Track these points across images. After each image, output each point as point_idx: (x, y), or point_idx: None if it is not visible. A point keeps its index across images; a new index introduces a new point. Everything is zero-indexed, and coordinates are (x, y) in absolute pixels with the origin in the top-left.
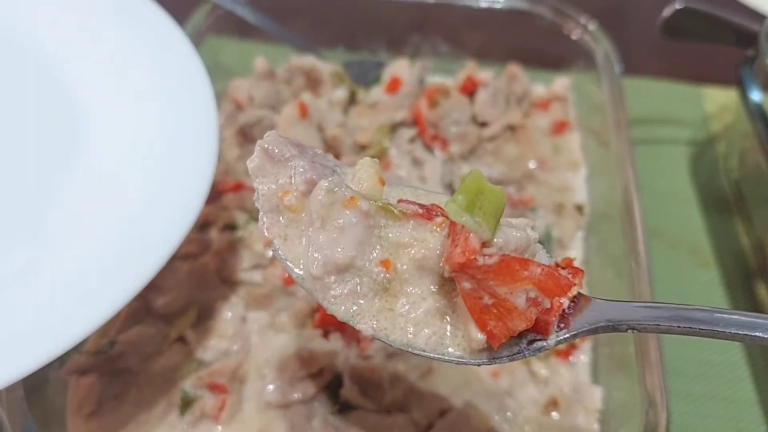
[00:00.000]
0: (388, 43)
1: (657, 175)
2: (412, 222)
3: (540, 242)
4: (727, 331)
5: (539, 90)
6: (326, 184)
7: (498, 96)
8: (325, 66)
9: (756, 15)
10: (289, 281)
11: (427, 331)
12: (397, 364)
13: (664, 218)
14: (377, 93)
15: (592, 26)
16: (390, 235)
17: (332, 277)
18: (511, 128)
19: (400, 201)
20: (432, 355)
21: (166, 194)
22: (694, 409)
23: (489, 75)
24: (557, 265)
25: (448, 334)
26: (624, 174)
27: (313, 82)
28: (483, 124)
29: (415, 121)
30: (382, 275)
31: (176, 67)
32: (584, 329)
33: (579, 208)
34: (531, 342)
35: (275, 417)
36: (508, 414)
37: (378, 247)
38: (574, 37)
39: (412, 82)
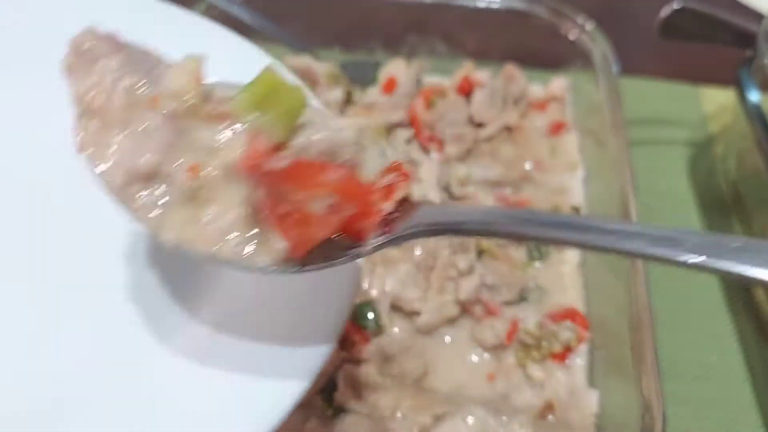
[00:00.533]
0: (385, 43)
1: (654, 176)
2: (224, 124)
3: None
4: (558, 236)
5: (536, 90)
6: (126, 82)
7: (495, 97)
8: (321, 66)
9: (755, 15)
10: None
11: (233, 240)
12: (392, 368)
13: (662, 219)
14: (373, 93)
15: (589, 26)
16: (200, 138)
17: (136, 185)
18: (508, 129)
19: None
20: (240, 264)
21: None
22: (692, 412)
23: (486, 75)
24: (388, 169)
25: (256, 242)
26: (621, 175)
27: (308, 83)
28: (479, 125)
29: (412, 122)
30: (189, 182)
31: None
32: (403, 233)
33: (576, 210)
34: (350, 248)
35: None
36: (504, 418)
37: (188, 152)
38: (571, 37)
39: (408, 82)
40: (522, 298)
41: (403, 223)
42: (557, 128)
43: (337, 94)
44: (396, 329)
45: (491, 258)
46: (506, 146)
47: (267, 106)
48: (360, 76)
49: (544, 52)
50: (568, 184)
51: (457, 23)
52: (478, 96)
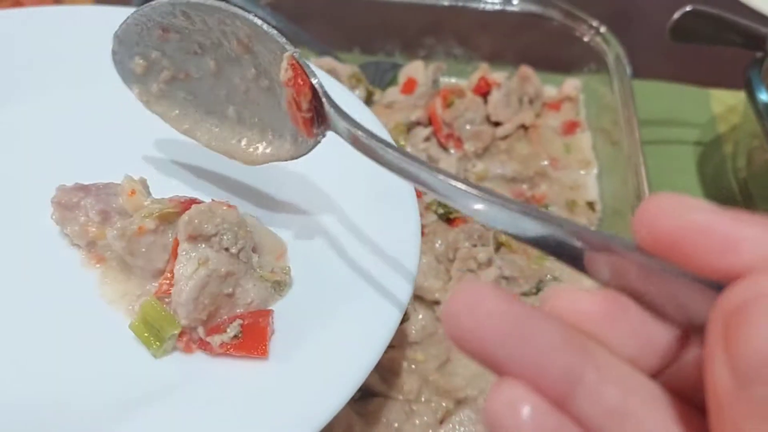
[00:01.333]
0: (403, 45)
1: (665, 174)
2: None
3: None
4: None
5: (551, 91)
6: (113, 233)
7: (511, 96)
8: (343, 67)
9: (765, 18)
10: None
11: None
12: (416, 354)
13: None
14: (393, 93)
15: (603, 29)
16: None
17: None
18: (524, 128)
19: (170, 200)
20: None
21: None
22: None
23: (502, 76)
24: None
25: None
26: (636, 171)
27: None
28: (496, 124)
29: (430, 121)
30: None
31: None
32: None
33: (591, 205)
34: None
35: None
36: None
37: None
38: (585, 39)
39: (427, 83)
40: (539, 289)
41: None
42: (571, 127)
43: (358, 94)
44: (420, 316)
45: (509, 251)
46: (522, 144)
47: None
48: (380, 77)
49: (557, 55)
50: (583, 180)
51: (472, 26)
52: (495, 96)
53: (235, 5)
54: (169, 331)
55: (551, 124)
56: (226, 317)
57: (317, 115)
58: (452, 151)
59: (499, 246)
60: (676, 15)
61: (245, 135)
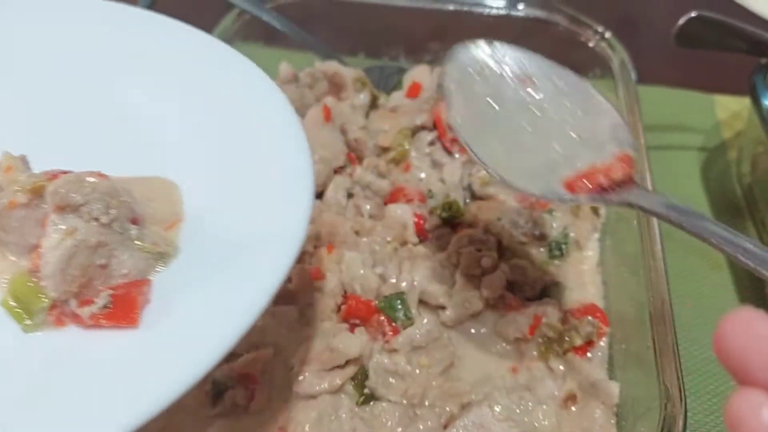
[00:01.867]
0: (408, 50)
1: (669, 180)
2: None
3: (557, 241)
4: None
5: None
6: None
7: None
8: (348, 71)
9: None
10: (317, 277)
11: None
12: (420, 358)
13: None
14: (398, 97)
15: (608, 34)
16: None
17: None
18: None
19: (45, 173)
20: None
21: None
22: (707, 407)
23: None
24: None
25: None
26: (640, 176)
27: (336, 87)
28: None
29: (435, 125)
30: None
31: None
32: (615, 200)
33: (595, 210)
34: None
35: (303, 407)
36: (528, 406)
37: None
38: (590, 44)
39: (432, 87)
40: (543, 294)
41: (619, 194)
42: None
43: (363, 97)
44: (425, 320)
45: (514, 256)
46: None
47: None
48: (385, 81)
49: (562, 60)
50: None
51: (477, 31)
52: None
53: (242, 9)
54: (36, 304)
55: None
56: (100, 289)
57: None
58: (457, 155)
59: (503, 252)
60: (681, 21)
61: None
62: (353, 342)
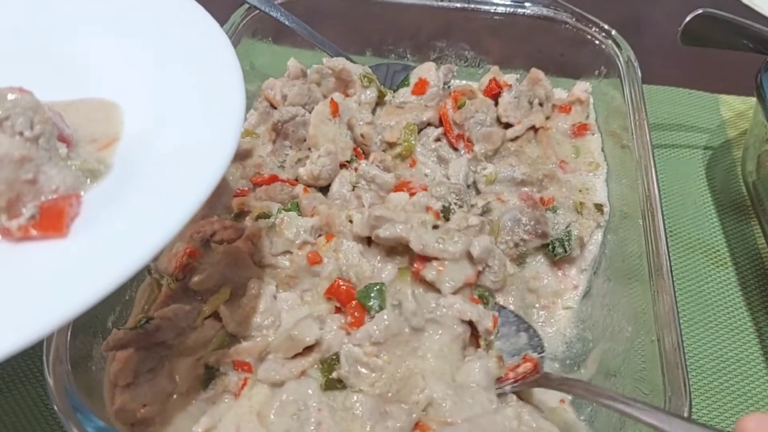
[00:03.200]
0: (414, 48)
1: (674, 179)
2: None
3: (560, 239)
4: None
5: (561, 94)
6: None
7: (521, 98)
8: (355, 67)
9: None
10: (314, 261)
11: None
12: (381, 354)
13: (681, 220)
14: (404, 94)
15: (614, 32)
16: None
17: None
18: (534, 130)
19: None
20: None
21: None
22: (712, 403)
23: (513, 78)
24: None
25: None
26: (646, 174)
27: (343, 83)
28: (506, 125)
29: (441, 121)
30: None
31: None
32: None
33: (599, 207)
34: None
35: (272, 395)
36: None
37: None
38: (596, 42)
39: (438, 84)
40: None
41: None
42: (580, 130)
43: (370, 94)
44: (385, 316)
45: None
46: (532, 146)
47: None
48: (391, 78)
49: (568, 58)
50: (591, 183)
51: (483, 29)
52: (506, 97)
53: (251, 5)
54: None
55: (561, 127)
56: (30, 204)
57: None
58: (462, 152)
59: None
60: (688, 18)
61: None
62: (311, 330)
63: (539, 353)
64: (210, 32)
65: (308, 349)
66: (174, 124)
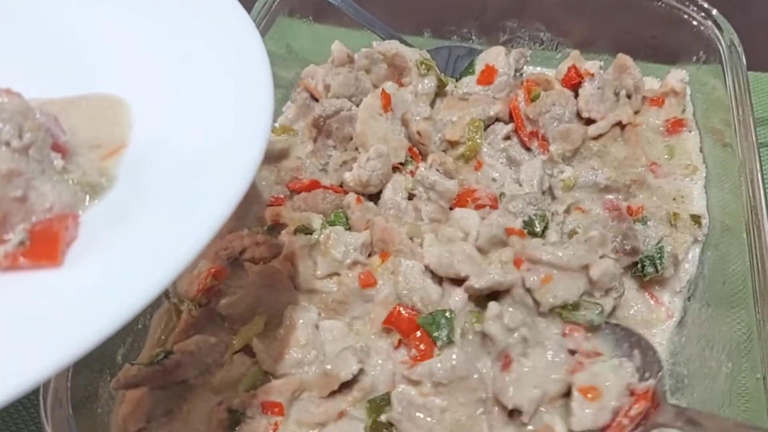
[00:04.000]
0: (481, 28)
1: None
2: None
3: (650, 257)
4: None
5: (652, 84)
6: None
7: (606, 89)
8: (411, 52)
9: None
10: (367, 284)
11: None
12: (441, 398)
13: None
14: (469, 84)
15: (715, 12)
16: None
17: None
18: (620, 126)
19: None
20: None
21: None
22: None
23: (596, 66)
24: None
25: None
26: (751, 179)
27: (396, 71)
28: (588, 121)
29: (512, 117)
30: None
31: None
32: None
33: (696, 219)
34: None
35: None
36: None
37: None
38: (694, 23)
39: (508, 72)
40: None
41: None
42: (675, 126)
43: (428, 83)
44: (453, 354)
45: None
46: (617, 146)
47: None
48: (453, 65)
49: (661, 41)
50: (687, 189)
51: (561, 7)
52: (587, 88)
53: None
54: None
55: (652, 123)
56: (19, 226)
57: None
58: (536, 152)
59: None
60: None
61: None
62: (348, 364)
63: (657, 371)
64: (231, 14)
65: (346, 386)
66: (192, 124)
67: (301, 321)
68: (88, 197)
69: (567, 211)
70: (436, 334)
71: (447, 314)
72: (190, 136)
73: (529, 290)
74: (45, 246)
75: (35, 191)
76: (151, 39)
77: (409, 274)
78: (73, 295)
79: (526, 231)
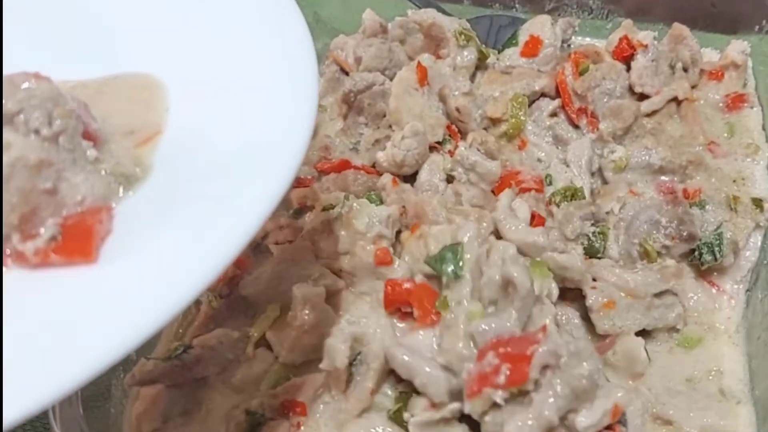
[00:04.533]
0: None
1: None
2: None
3: (709, 243)
4: None
5: (711, 56)
6: None
7: (660, 62)
8: (450, 22)
9: None
10: (382, 261)
11: None
12: None
13: None
14: (512, 56)
15: None
16: None
17: None
18: (676, 102)
19: None
20: None
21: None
22: None
23: (649, 36)
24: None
25: None
26: None
27: (433, 42)
28: (641, 97)
29: (558, 92)
30: None
31: None
32: None
33: (758, 203)
34: None
35: None
36: None
37: None
38: None
39: (554, 43)
40: None
41: None
42: (736, 102)
43: (468, 55)
44: None
45: None
46: (673, 123)
47: None
48: (495, 35)
49: (721, 9)
50: (749, 170)
51: None
52: (640, 61)
53: None
54: None
55: (711, 98)
56: (50, 220)
57: None
58: (585, 130)
59: None
60: None
61: None
62: (337, 355)
63: None
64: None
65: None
66: (231, 113)
67: (307, 301)
68: (122, 188)
69: (623, 206)
70: (442, 268)
71: (455, 248)
72: (228, 125)
73: (587, 308)
74: (78, 241)
75: (66, 182)
76: (189, 19)
77: (438, 237)
78: (110, 293)
79: (587, 256)
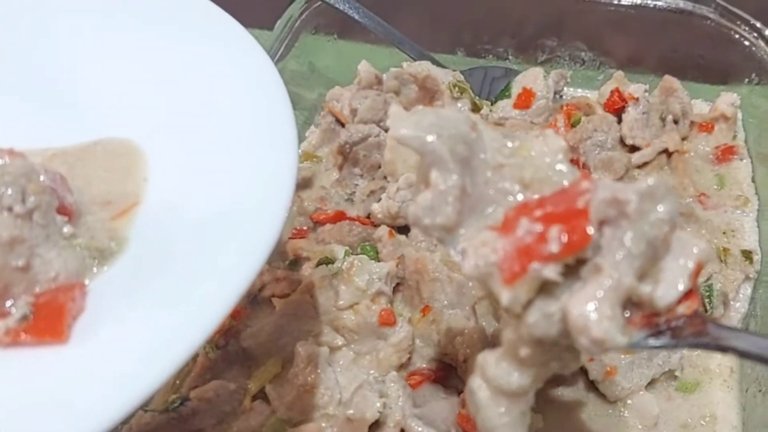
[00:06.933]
0: (518, 47)
1: None
2: None
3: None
4: None
5: (701, 108)
6: None
7: (651, 114)
8: (443, 74)
9: None
10: (385, 322)
11: None
12: None
13: None
14: (505, 108)
15: (767, 32)
16: None
17: None
18: (667, 154)
19: None
20: None
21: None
22: None
23: (640, 89)
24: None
25: None
26: None
27: (428, 94)
28: (632, 149)
29: None
30: None
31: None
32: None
33: (747, 255)
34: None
35: None
36: None
37: None
38: (746, 43)
39: (547, 95)
40: None
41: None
42: (726, 154)
43: (462, 107)
44: None
45: None
46: (664, 175)
47: None
48: (489, 87)
49: (711, 62)
50: (738, 222)
51: (604, 25)
52: (631, 114)
53: None
54: None
55: (701, 150)
56: (22, 297)
57: None
58: None
59: None
60: None
61: None
62: (368, 403)
63: None
64: (251, 53)
65: (373, 427)
66: (210, 182)
67: (313, 356)
68: (96, 263)
69: None
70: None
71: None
72: (207, 195)
73: (592, 382)
74: (49, 321)
75: (39, 259)
76: (166, 85)
77: (452, 320)
78: (79, 375)
79: None
